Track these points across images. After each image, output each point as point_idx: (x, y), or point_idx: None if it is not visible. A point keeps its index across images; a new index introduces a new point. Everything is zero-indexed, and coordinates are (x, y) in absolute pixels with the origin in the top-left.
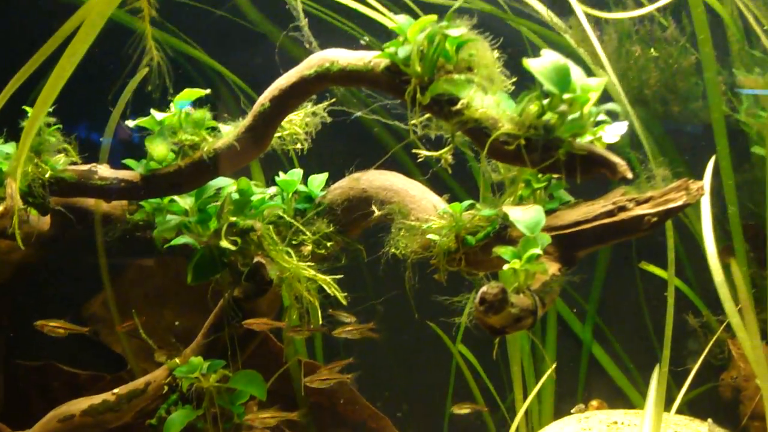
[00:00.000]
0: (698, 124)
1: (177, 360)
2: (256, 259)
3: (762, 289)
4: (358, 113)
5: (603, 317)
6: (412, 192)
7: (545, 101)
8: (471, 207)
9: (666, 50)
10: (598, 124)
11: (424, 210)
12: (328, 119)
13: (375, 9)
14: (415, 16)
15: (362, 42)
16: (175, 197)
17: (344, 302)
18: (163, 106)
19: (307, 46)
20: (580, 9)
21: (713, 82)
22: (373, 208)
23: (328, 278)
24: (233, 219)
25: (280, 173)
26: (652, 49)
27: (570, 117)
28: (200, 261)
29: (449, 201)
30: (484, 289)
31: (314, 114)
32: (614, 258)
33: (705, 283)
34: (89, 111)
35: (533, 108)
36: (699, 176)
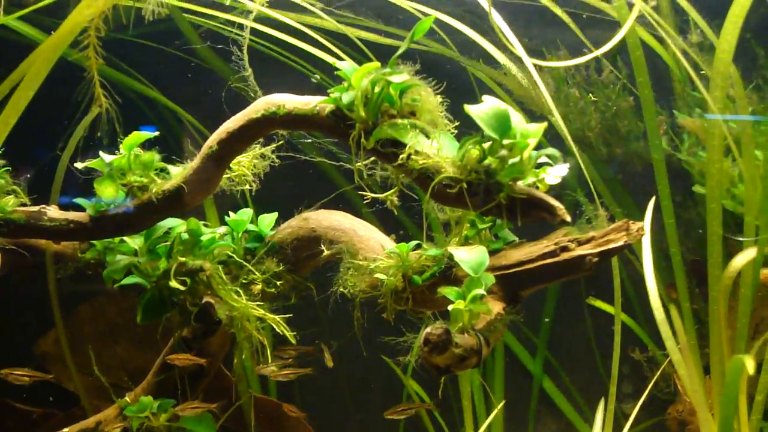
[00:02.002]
0: (641, 164)
1: (128, 398)
2: (205, 299)
3: (707, 323)
4: (306, 157)
5: (553, 351)
6: (360, 231)
7: (486, 146)
8: (418, 247)
9: (604, 93)
10: (540, 166)
11: (372, 249)
12: (277, 162)
13: (328, 50)
14: (374, 51)
15: (313, 80)
16: (125, 237)
17: (293, 341)
18: (113, 148)
19: (252, 94)
20: (525, 55)
21: (653, 124)
22: (323, 247)
23: (277, 317)
24: (182, 259)
25: (230, 213)
26: (591, 94)
27: (510, 161)
28: (150, 301)
29: (402, 237)
30: (428, 329)
31: (263, 156)
32: (564, 293)
33: (651, 318)
34: (40, 152)
35: (474, 153)
36: (643, 216)
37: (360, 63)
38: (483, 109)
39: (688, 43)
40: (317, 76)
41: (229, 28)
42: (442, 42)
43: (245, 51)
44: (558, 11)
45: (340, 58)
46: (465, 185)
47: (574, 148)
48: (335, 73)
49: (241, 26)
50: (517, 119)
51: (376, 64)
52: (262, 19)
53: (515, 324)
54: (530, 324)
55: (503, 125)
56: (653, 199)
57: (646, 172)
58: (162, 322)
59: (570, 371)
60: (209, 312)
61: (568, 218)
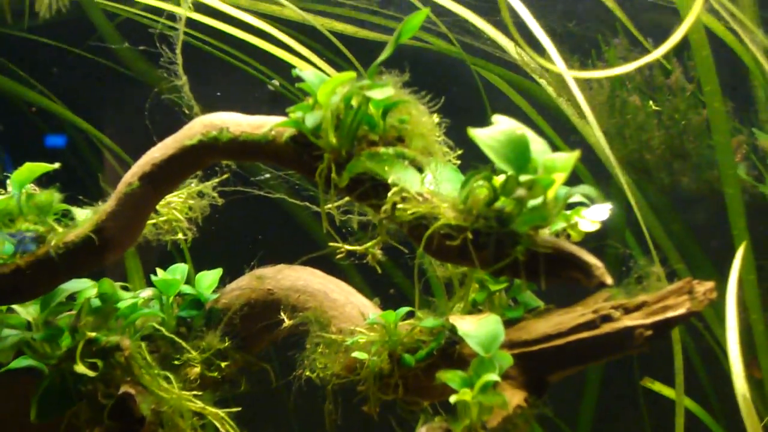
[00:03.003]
0: (715, 199)
1: None
2: (122, 389)
3: None
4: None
5: None
6: (332, 294)
7: (498, 183)
8: (410, 315)
9: (671, 102)
10: (572, 206)
11: (349, 318)
12: (219, 201)
13: (290, 48)
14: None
15: (270, 87)
16: (14, 306)
17: None
18: None
19: (186, 111)
20: (556, 53)
21: (726, 147)
22: (283, 315)
23: (221, 412)
24: (92, 335)
25: (158, 270)
26: (651, 102)
27: (530, 204)
28: (48, 391)
29: (392, 299)
30: (422, 429)
31: (201, 194)
32: (610, 373)
33: (731, 407)
34: None
35: (483, 192)
36: (721, 271)
37: (335, 65)
38: (493, 135)
39: None
40: (275, 82)
41: (157, 18)
42: (443, 36)
43: (179, 50)
44: None
45: (307, 59)
46: (470, 235)
47: (622, 180)
48: (297, 85)
49: (173, 16)
50: (539, 147)
51: (351, 74)
52: (202, 7)
53: (545, 418)
54: (565, 414)
55: (520, 156)
56: (741, 249)
57: (722, 210)
58: (65, 420)
59: None
60: (128, 406)
61: (609, 280)
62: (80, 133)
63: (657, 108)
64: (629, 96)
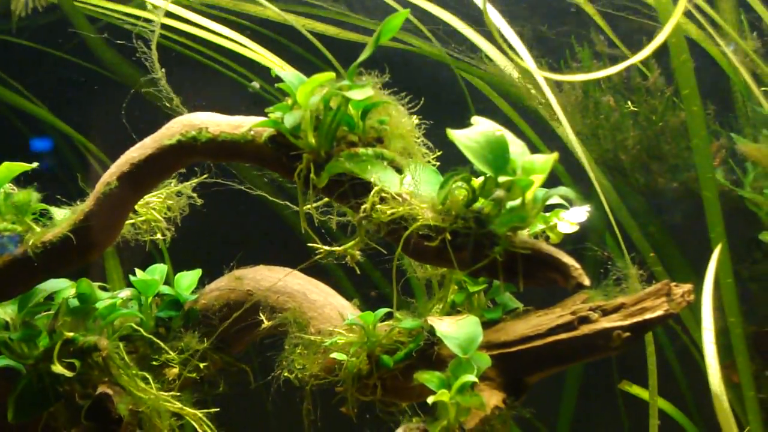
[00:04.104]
0: (693, 202)
1: None
2: (100, 389)
3: None
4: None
5: None
6: (311, 295)
7: (477, 184)
8: (389, 316)
9: (648, 104)
10: (551, 209)
11: (328, 319)
12: (198, 201)
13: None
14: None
15: (250, 89)
16: None
17: None
18: None
19: (168, 104)
20: (527, 54)
21: (704, 151)
22: (262, 316)
23: (199, 413)
24: (70, 335)
25: (137, 271)
26: (630, 102)
27: (508, 205)
28: (26, 391)
29: (375, 300)
30: (400, 430)
31: (179, 194)
32: (588, 374)
33: (707, 410)
34: None
35: (461, 193)
36: (699, 273)
37: (315, 67)
38: (472, 136)
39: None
40: (256, 84)
41: (141, 24)
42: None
43: (154, 46)
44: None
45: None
46: (448, 236)
47: (594, 182)
48: (277, 85)
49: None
50: (517, 149)
51: (330, 74)
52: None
53: (524, 420)
54: (544, 416)
55: (499, 157)
56: (717, 250)
57: (700, 212)
58: (43, 420)
59: None
60: (106, 407)
61: (586, 281)
62: (61, 135)
63: (634, 109)
64: (602, 96)
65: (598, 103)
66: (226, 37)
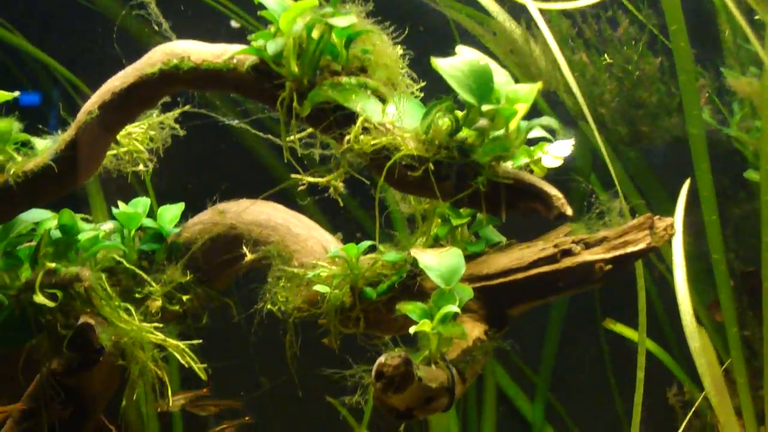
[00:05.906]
0: (675, 142)
1: None
2: (82, 320)
3: (762, 356)
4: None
5: (557, 393)
6: (295, 229)
7: (460, 114)
8: (372, 249)
9: (622, 54)
10: (536, 142)
11: (311, 252)
12: (181, 132)
13: None
14: None
15: (232, 24)
16: None
17: (203, 376)
18: None
19: (156, 28)
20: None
21: (690, 88)
22: (245, 249)
23: (181, 344)
24: (52, 265)
25: (120, 203)
26: (606, 55)
27: (492, 135)
28: (8, 321)
29: (361, 239)
30: (381, 359)
31: (161, 125)
32: (572, 313)
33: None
34: None
35: (445, 123)
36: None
37: None
38: (456, 64)
39: None
40: (236, 23)
41: None
42: None
43: None
44: None
45: None
46: (431, 166)
47: (589, 117)
48: (259, 13)
49: None
50: (501, 78)
51: (313, 1)
52: None
53: (507, 356)
54: (527, 356)
55: (483, 86)
56: (686, 184)
57: (682, 151)
58: (25, 351)
59: (580, 418)
60: (88, 336)
61: (569, 211)
62: (40, 66)
63: (610, 61)
64: (573, 55)
65: (571, 62)
66: None
